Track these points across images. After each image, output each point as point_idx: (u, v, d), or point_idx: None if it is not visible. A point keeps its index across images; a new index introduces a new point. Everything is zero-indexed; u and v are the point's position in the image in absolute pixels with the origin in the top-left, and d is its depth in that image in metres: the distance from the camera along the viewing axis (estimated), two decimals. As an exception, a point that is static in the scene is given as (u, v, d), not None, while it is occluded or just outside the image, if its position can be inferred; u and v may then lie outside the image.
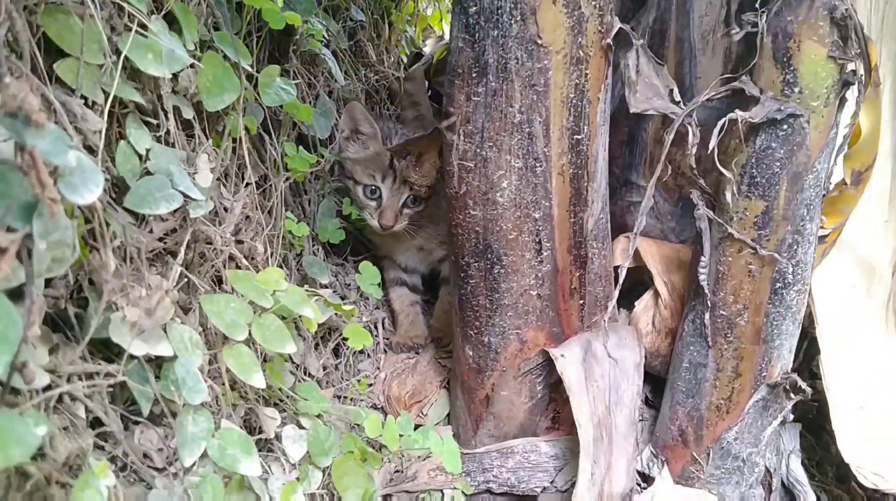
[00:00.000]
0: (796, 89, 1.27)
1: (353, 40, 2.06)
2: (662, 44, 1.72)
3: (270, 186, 1.47)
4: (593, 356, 1.57)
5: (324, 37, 1.75)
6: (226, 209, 1.27)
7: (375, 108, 2.21)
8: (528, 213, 1.45)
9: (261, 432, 1.30)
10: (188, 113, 1.21)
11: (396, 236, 1.91)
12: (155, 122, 1.16)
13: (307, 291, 1.35)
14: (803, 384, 1.44)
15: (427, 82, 2.28)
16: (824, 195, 1.40)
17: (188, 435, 1.05)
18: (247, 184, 1.41)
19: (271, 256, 1.44)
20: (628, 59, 1.41)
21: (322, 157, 1.79)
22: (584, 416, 1.52)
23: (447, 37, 2.27)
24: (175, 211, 1.15)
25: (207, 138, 1.25)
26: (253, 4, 1.35)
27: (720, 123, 1.28)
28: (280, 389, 1.33)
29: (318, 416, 1.37)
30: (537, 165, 1.41)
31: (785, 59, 1.27)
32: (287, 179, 1.52)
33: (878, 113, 1.38)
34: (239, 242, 1.33)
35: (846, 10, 1.22)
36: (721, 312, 1.46)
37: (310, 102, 1.81)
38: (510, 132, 1.39)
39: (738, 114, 1.28)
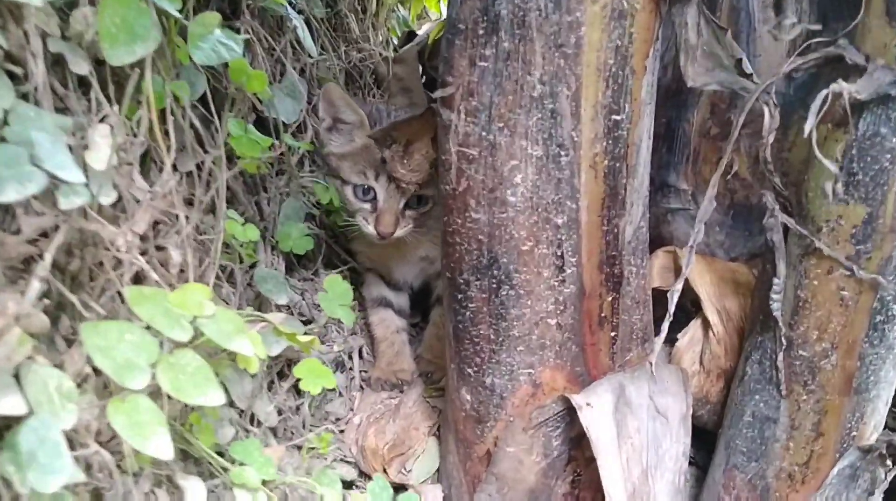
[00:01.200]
0: (919, 54, 0.94)
1: (332, 10, 1.70)
2: (713, 12, 1.38)
3: (211, 176, 1.12)
4: (627, 404, 1.22)
5: (291, -1, 1.40)
6: (138, 202, 0.92)
7: (358, 93, 1.87)
8: (547, 217, 1.10)
9: (179, 511, 0.94)
10: (81, 67, 0.86)
11: (396, 245, 1.55)
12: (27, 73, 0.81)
13: (251, 316, 1.00)
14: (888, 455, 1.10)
15: (421, 66, 1.94)
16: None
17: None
18: (175, 170, 1.06)
19: (207, 268, 1.09)
20: (686, 15, 1.07)
21: (284, 145, 1.43)
22: (615, 485, 1.16)
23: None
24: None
25: (113, 104, 0.90)
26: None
27: (822, 95, 0.94)
28: (209, 452, 0.98)
29: (265, 484, 1.02)
30: (562, 153, 1.07)
31: (904, 14, 0.93)
32: (234, 168, 1.16)
33: None
34: (159, 248, 0.98)
35: None
36: (800, 352, 1.11)
37: (273, 78, 1.46)
38: (527, 109, 1.04)
39: (843, 85, 0.93)
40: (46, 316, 0.79)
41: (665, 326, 1.07)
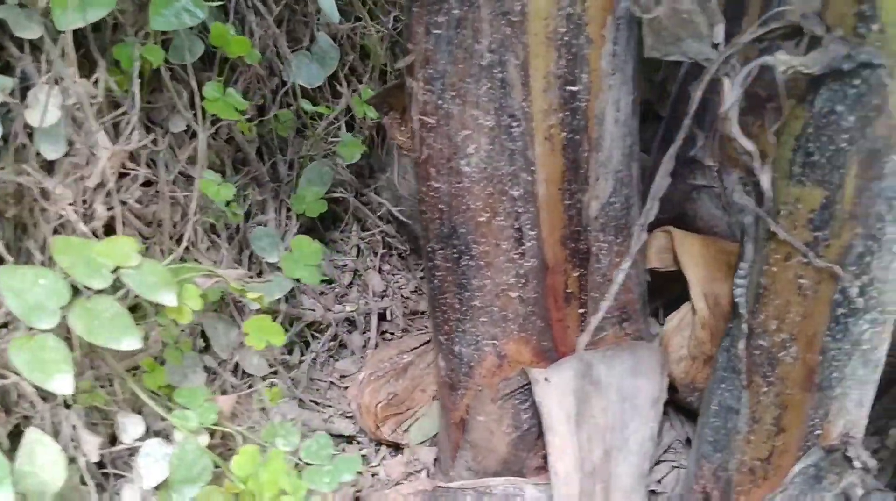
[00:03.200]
0: (874, 26, 0.86)
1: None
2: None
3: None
4: (594, 383, 1.20)
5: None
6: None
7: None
8: (502, 189, 1.10)
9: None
10: (31, 31, 0.94)
11: None
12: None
13: (200, 269, 1.06)
14: (866, 456, 1.02)
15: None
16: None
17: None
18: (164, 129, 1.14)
19: (178, 223, 1.16)
20: (650, -17, 1.03)
21: (303, 111, 1.48)
22: (565, 462, 1.15)
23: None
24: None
25: (72, 67, 0.98)
26: None
27: (746, 69, 0.89)
28: (154, 392, 1.05)
29: (215, 431, 1.08)
30: (514, 124, 1.06)
31: (861, -19, 0.85)
32: (213, 127, 1.22)
33: None
34: (122, 202, 1.05)
35: None
36: (760, 341, 1.06)
37: (303, 46, 1.51)
38: (477, 78, 1.04)
39: (779, 58, 0.87)
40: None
41: (604, 306, 1.04)
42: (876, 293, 0.98)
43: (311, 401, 1.47)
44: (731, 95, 0.89)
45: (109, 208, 1.07)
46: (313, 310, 1.49)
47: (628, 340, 1.25)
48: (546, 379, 1.16)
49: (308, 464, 1.15)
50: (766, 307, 1.04)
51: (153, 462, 1.02)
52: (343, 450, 1.49)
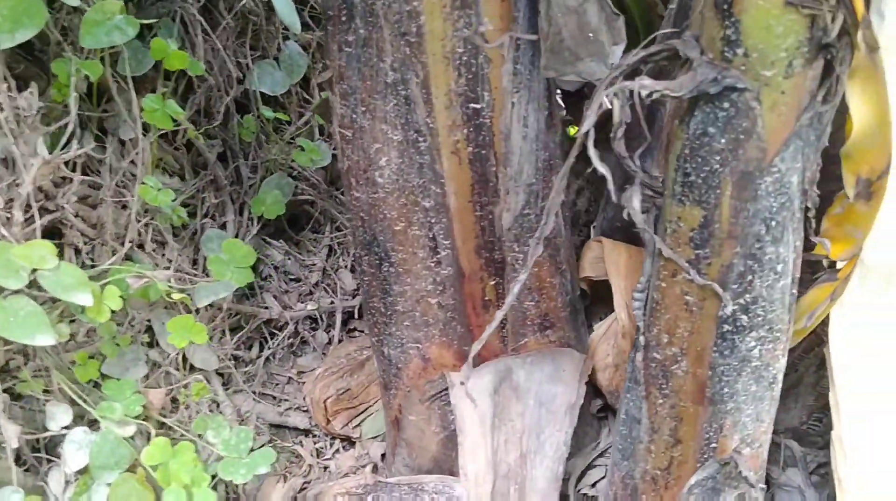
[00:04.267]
0: (740, 51, 0.87)
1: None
2: None
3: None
4: (513, 387, 1.24)
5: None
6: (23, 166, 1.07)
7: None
8: (415, 200, 1.14)
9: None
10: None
11: None
12: None
13: (129, 271, 1.13)
14: (747, 472, 1.04)
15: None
16: (811, 209, 0.99)
17: None
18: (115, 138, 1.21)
19: (123, 230, 1.24)
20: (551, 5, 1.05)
21: (265, 119, 1.55)
22: (476, 463, 1.19)
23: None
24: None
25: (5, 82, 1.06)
26: None
27: (601, 93, 0.91)
28: (87, 384, 1.14)
29: (145, 420, 1.16)
30: (420, 139, 1.10)
31: (725, 7, 0.87)
32: (155, 134, 1.29)
33: (881, 91, 0.92)
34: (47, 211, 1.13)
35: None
36: (654, 354, 1.08)
37: (270, 56, 1.58)
38: (384, 95, 1.08)
39: (642, 83, 0.89)
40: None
41: (498, 315, 1.07)
42: (762, 312, 0.99)
43: (268, 395, 1.54)
44: (590, 120, 0.91)
45: (52, 212, 1.16)
46: (268, 308, 1.56)
47: (552, 347, 1.28)
48: (461, 383, 1.20)
49: (225, 457, 1.22)
50: (658, 321, 1.06)
51: (77, 449, 1.10)
52: (300, 443, 1.55)
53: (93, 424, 1.16)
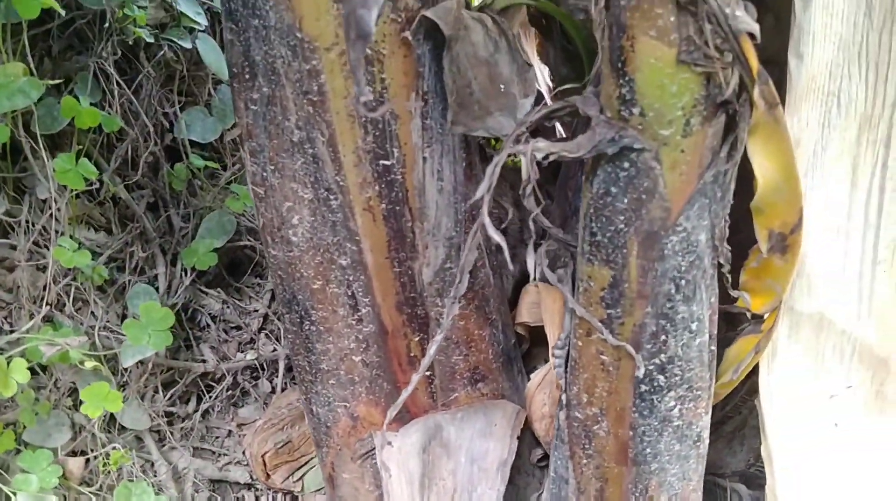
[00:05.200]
0: (636, 110, 0.84)
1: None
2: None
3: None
4: (444, 445, 1.21)
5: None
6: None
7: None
8: (331, 258, 1.11)
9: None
10: None
11: None
12: None
13: (43, 339, 1.10)
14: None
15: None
16: (726, 265, 0.96)
17: None
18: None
19: (42, 292, 1.21)
20: (457, 49, 1.02)
21: (196, 168, 1.52)
22: (404, 526, 1.16)
23: None
24: None
25: None
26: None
27: (502, 156, 0.88)
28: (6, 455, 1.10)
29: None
30: (331, 197, 1.07)
31: (620, 66, 0.84)
32: (66, 194, 1.27)
33: (784, 147, 0.89)
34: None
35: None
36: (576, 413, 1.05)
37: (201, 102, 1.55)
38: (291, 153, 1.06)
39: (536, 145, 0.86)
40: None
41: (415, 378, 1.04)
42: (678, 371, 0.97)
43: (207, 450, 1.50)
44: (486, 182, 0.88)
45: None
46: (204, 361, 1.53)
47: (484, 400, 1.25)
48: (389, 443, 1.17)
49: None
50: (577, 380, 1.03)
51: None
52: (242, 498, 1.52)
53: (8, 499, 1.13)
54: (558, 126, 1.56)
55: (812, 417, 1.09)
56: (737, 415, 1.37)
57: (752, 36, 0.80)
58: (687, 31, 0.80)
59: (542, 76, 1.67)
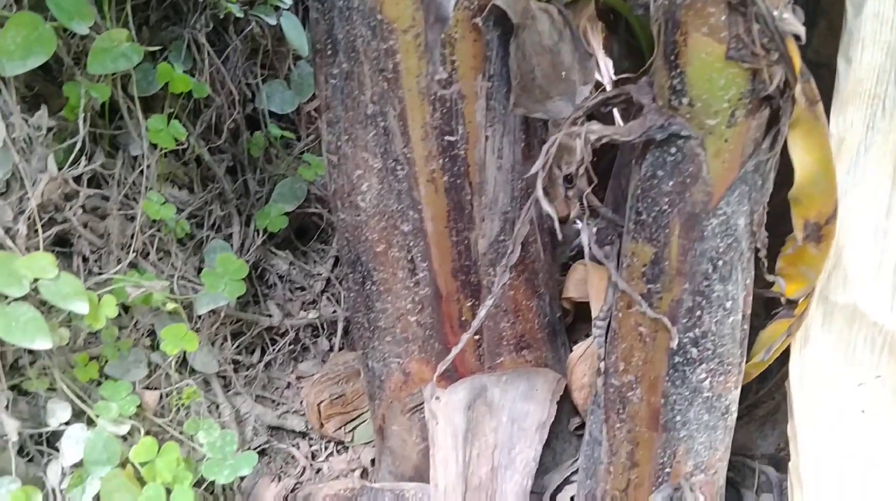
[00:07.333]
0: (685, 100, 0.91)
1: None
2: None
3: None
4: (487, 404, 1.30)
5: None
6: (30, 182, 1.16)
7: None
8: (394, 224, 1.20)
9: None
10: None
11: None
12: None
13: (128, 281, 1.22)
14: (700, 497, 1.08)
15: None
16: (762, 250, 1.02)
17: None
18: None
19: (129, 240, 1.33)
20: (523, 36, 1.10)
21: (276, 137, 1.63)
22: (447, 476, 1.25)
23: None
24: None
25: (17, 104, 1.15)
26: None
27: (554, 137, 0.96)
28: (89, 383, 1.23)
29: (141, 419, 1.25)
30: (398, 167, 1.16)
31: (672, 58, 0.91)
32: (161, 152, 1.38)
33: (822, 142, 0.95)
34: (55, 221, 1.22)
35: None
36: (612, 380, 1.13)
37: (281, 76, 1.66)
38: (364, 125, 1.15)
39: (589, 128, 0.94)
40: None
41: (464, 338, 1.13)
42: (711, 346, 1.04)
43: (267, 398, 1.62)
44: (541, 160, 0.96)
45: (61, 223, 1.25)
46: (270, 316, 1.64)
47: (528, 366, 1.33)
48: (437, 398, 1.26)
49: (210, 458, 1.29)
50: (616, 349, 1.11)
51: (73, 444, 1.20)
52: (296, 445, 1.63)
53: (91, 422, 1.25)
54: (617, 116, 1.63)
55: (840, 402, 1.15)
56: (770, 400, 1.43)
57: (797, 37, 0.87)
58: (736, 29, 0.87)
59: (606, 68, 1.74)
